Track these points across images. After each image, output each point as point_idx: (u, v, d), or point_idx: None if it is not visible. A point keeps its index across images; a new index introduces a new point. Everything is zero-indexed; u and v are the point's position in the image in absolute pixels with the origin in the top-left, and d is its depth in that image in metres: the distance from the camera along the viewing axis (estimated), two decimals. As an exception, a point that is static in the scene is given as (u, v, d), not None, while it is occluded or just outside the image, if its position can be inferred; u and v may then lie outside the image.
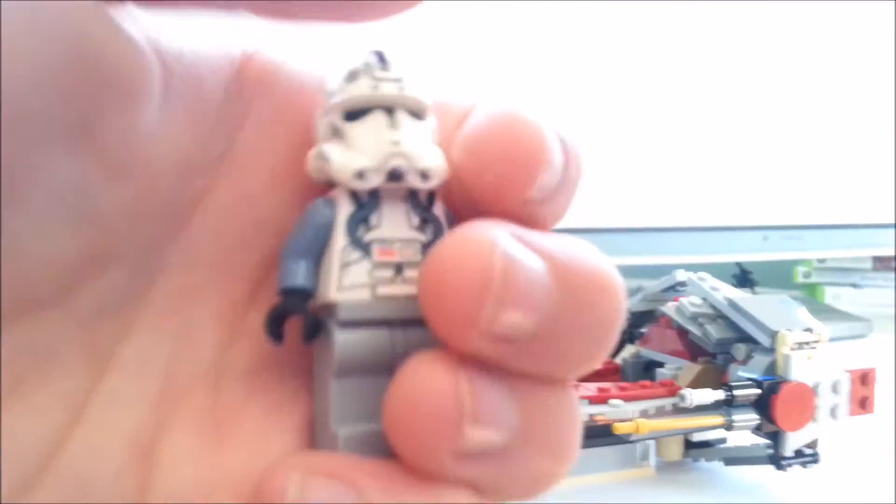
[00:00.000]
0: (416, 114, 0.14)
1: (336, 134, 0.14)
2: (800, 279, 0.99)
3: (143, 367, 0.14)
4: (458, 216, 0.14)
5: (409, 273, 0.14)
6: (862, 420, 0.40)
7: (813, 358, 0.38)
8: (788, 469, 0.38)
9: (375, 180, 0.13)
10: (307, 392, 0.14)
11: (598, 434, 0.36)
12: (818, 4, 0.77)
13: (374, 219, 0.14)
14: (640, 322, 0.47)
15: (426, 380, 0.12)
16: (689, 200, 0.73)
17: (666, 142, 0.74)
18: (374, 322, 0.14)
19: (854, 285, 0.96)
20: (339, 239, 0.14)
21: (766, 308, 0.40)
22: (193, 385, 0.14)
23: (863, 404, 0.40)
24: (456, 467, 0.12)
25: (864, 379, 0.39)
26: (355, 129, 0.14)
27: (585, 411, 0.35)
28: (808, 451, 0.39)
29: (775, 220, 0.76)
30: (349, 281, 0.13)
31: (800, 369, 0.37)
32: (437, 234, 0.14)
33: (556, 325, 0.12)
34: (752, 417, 0.37)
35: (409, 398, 0.12)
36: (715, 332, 0.41)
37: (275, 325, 0.14)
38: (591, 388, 0.37)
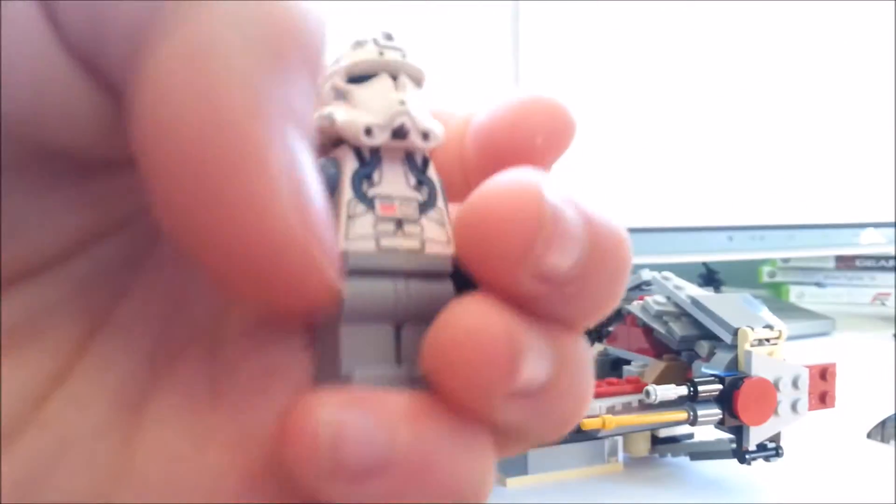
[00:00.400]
0: (417, 82, 0.15)
1: (340, 97, 0.14)
2: (765, 278, 1.00)
3: (136, 325, 0.14)
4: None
5: (409, 228, 0.14)
6: (825, 415, 0.41)
7: (774, 354, 0.39)
8: (752, 463, 0.39)
9: (381, 137, 0.14)
10: (306, 352, 0.14)
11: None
12: (793, 6, 0.78)
13: (375, 176, 0.14)
14: (607, 321, 0.48)
15: (479, 320, 0.12)
16: (655, 202, 0.74)
17: (632, 144, 0.75)
18: (379, 272, 0.14)
19: (818, 284, 0.98)
20: (346, 192, 0.14)
21: (727, 306, 0.41)
22: (188, 343, 0.14)
23: (823, 399, 0.40)
24: (504, 407, 0.13)
25: (823, 374, 0.40)
26: (361, 91, 0.14)
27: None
28: (771, 444, 0.39)
29: (740, 220, 0.77)
30: (355, 232, 0.14)
31: (761, 365, 0.38)
32: (432, 195, 0.15)
33: (585, 271, 0.13)
34: (716, 412, 0.38)
35: (461, 337, 0.12)
36: (679, 329, 0.42)
37: None
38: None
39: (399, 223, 0.14)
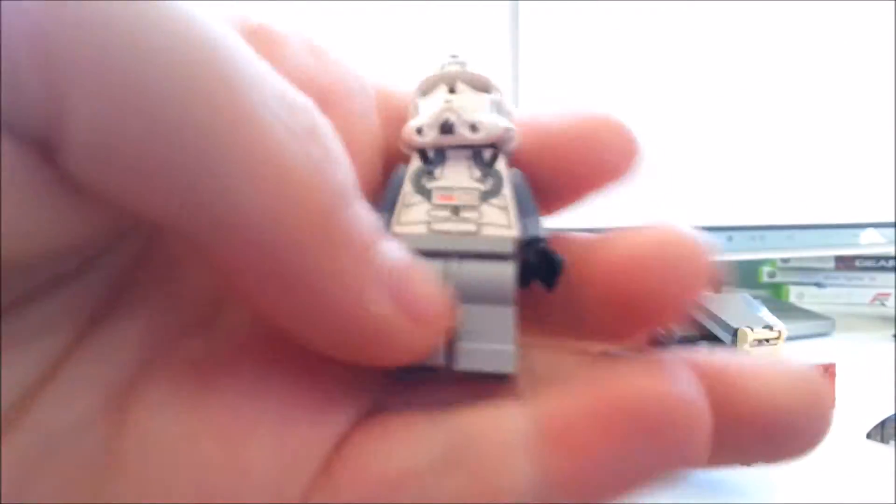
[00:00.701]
0: (476, 87, 0.16)
1: (412, 113, 0.16)
2: (765, 279, 1.00)
3: (126, 320, 0.14)
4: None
5: (466, 214, 0.15)
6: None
7: (773, 354, 0.39)
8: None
9: (431, 134, 0.16)
10: (305, 349, 0.14)
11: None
12: (793, 6, 0.78)
13: (438, 172, 0.16)
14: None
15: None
16: (654, 202, 0.74)
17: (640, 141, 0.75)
18: (430, 253, 0.15)
19: (817, 284, 0.98)
20: (405, 186, 0.16)
21: (727, 306, 0.41)
22: (180, 337, 0.14)
23: (822, 399, 0.40)
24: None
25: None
26: (424, 102, 0.16)
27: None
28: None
29: (740, 220, 0.77)
30: (407, 218, 0.15)
31: (761, 366, 0.38)
32: (497, 185, 0.16)
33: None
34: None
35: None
36: (678, 330, 0.42)
37: None
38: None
39: (456, 210, 0.15)
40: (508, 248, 0.15)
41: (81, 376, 0.13)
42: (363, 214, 0.13)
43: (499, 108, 0.16)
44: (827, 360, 0.41)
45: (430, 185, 0.16)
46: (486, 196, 0.15)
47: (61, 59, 0.10)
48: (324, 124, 0.13)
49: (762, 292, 0.99)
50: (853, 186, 0.82)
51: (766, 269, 1.00)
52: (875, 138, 0.82)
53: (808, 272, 0.99)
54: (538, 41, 0.72)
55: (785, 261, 0.99)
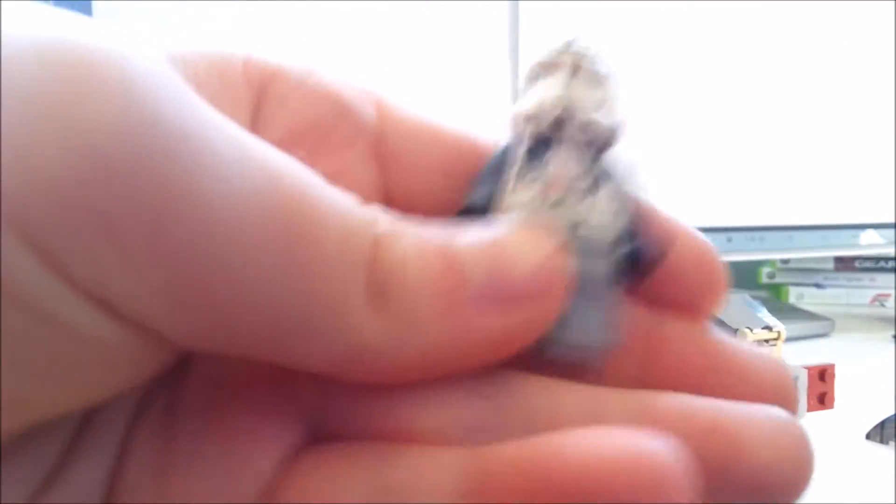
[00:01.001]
0: (599, 76, 0.16)
1: (525, 90, 0.16)
2: (764, 279, 1.00)
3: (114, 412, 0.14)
4: None
5: (569, 205, 0.15)
6: (824, 416, 0.41)
7: (773, 355, 0.39)
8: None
9: (542, 125, 0.15)
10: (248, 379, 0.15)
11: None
12: (794, 6, 0.78)
13: (545, 159, 0.15)
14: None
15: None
16: (654, 202, 0.74)
17: (639, 141, 0.75)
18: None
19: (817, 285, 0.98)
20: (509, 170, 0.15)
21: (727, 307, 0.41)
22: (150, 405, 0.14)
23: (822, 400, 0.41)
24: None
25: (822, 375, 0.40)
26: (539, 83, 0.16)
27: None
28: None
29: (739, 221, 0.77)
30: (514, 201, 0.15)
31: (760, 366, 0.38)
32: (603, 178, 0.15)
33: None
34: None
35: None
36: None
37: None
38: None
39: (559, 201, 0.15)
40: (606, 245, 0.15)
41: (83, 468, 0.14)
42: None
43: (615, 100, 0.16)
44: (827, 361, 0.41)
45: (534, 172, 0.15)
46: (591, 188, 0.15)
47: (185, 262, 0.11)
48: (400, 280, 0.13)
49: (762, 293, 0.99)
50: (853, 187, 0.82)
51: (765, 269, 1.00)
52: (875, 139, 0.82)
53: (808, 273, 0.99)
54: (538, 41, 0.72)
55: (784, 261, 0.99)
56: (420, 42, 0.71)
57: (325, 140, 0.15)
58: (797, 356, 0.42)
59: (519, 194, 0.15)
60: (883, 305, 0.96)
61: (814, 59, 0.79)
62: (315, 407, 0.14)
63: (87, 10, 0.67)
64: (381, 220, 0.13)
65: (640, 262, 0.15)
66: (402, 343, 0.13)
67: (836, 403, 0.41)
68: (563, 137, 0.15)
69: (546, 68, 0.16)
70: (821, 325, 0.81)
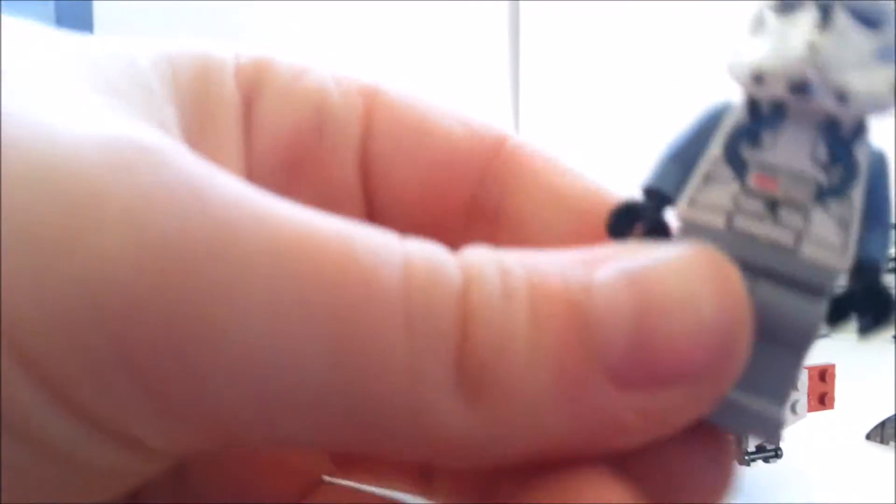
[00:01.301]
0: (869, 20, 0.11)
1: (756, 26, 0.11)
2: (765, 280, 1.00)
3: None
4: None
5: (787, 215, 0.11)
6: (824, 416, 0.41)
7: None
8: (751, 464, 0.39)
9: (775, 88, 0.11)
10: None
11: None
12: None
13: (767, 137, 0.11)
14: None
15: None
16: None
17: (633, 144, 0.75)
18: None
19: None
20: (715, 148, 0.11)
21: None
22: None
23: (822, 400, 0.41)
24: None
25: (822, 375, 0.40)
26: (778, 23, 0.11)
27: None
28: (770, 446, 0.39)
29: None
30: (705, 199, 0.11)
31: (760, 366, 0.38)
32: (846, 181, 0.11)
33: None
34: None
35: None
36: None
37: (618, 221, 0.12)
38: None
39: (774, 205, 0.11)
40: (829, 281, 0.11)
41: None
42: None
43: (887, 53, 0.11)
44: (826, 362, 0.41)
45: (749, 154, 0.11)
46: (824, 194, 0.11)
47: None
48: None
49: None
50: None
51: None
52: (874, 140, 0.81)
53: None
54: (538, 41, 0.72)
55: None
56: (420, 42, 0.71)
57: (311, 145, 0.15)
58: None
59: (715, 190, 0.11)
60: (883, 305, 0.96)
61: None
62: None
63: (88, 11, 0.67)
64: (466, 268, 0.10)
65: (865, 306, 0.11)
66: (506, 435, 0.10)
67: (836, 404, 0.41)
68: (802, 109, 0.11)
69: (784, 6, 0.11)
70: (821, 325, 0.81)
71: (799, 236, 0.11)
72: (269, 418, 0.10)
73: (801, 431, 0.41)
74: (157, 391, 0.09)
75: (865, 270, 0.11)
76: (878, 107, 0.11)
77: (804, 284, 0.11)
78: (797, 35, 0.10)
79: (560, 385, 0.10)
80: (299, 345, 0.09)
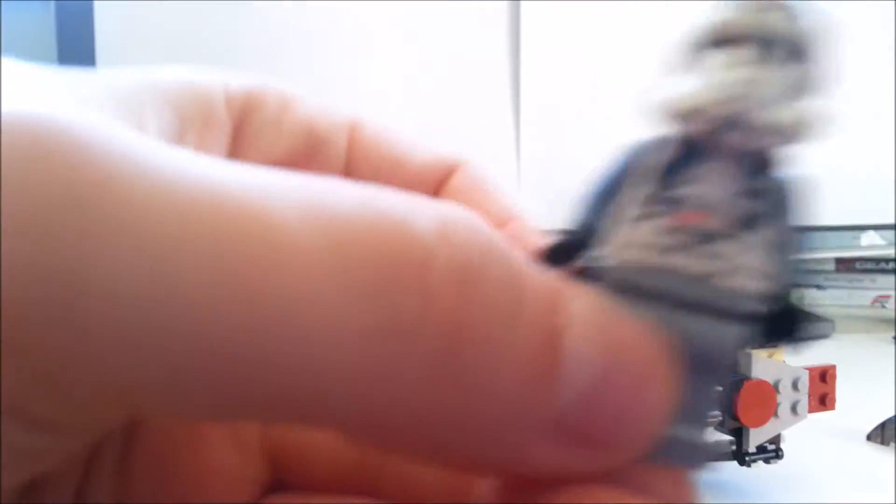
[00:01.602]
0: (799, 54, 0.11)
1: (688, 62, 0.11)
2: (765, 281, 1.00)
3: None
4: None
5: (716, 247, 0.11)
6: (825, 417, 0.41)
7: (774, 356, 0.39)
8: (752, 465, 0.39)
9: (703, 123, 0.11)
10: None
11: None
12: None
13: (696, 171, 0.11)
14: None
15: None
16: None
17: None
18: (646, 294, 0.11)
19: (818, 287, 0.98)
20: (644, 186, 0.11)
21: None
22: None
23: (823, 401, 0.40)
24: None
25: (823, 376, 0.40)
26: (711, 58, 0.11)
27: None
28: (771, 447, 0.39)
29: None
30: (629, 238, 0.11)
31: (761, 367, 0.38)
32: (769, 209, 0.11)
33: None
34: (715, 414, 0.38)
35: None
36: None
37: (549, 260, 0.11)
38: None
39: (705, 238, 0.11)
40: (753, 306, 0.11)
41: None
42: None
43: (810, 85, 0.11)
44: (827, 362, 0.41)
45: (677, 191, 0.11)
46: (746, 224, 0.11)
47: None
48: None
49: (762, 294, 0.98)
50: (853, 189, 0.82)
51: (766, 270, 1.00)
52: (875, 140, 0.82)
53: (808, 275, 0.99)
54: (538, 41, 0.72)
55: (785, 263, 0.99)
56: (420, 42, 0.71)
57: (301, 169, 0.15)
58: (797, 357, 0.42)
59: (640, 228, 0.11)
60: (884, 307, 0.96)
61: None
62: (276, 454, 0.14)
63: (88, 11, 0.67)
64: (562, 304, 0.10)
65: (785, 327, 0.12)
66: (594, 462, 0.10)
67: (836, 405, 0.41)
68: (729, 143, 0.11)
69: (713, 41, 0.11)
70: (821, 326, 0.81)
71: (724, 266, 0.11)
72: (169, 390, 0.09)
73: (801, 432, 0.41)
74: (44, 366, 0.09)
75: (782, 293, 0.11)
76: (801, 137, 0.11)
77: (729, 312, 0.11)
78: (732, 70, 0.11)
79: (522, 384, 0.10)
80: (198, 308, 0.09)
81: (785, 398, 0.38)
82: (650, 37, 0.75)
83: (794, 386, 0.39)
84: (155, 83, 0.14)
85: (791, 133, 0.11)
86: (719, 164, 0.11)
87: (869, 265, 0.97)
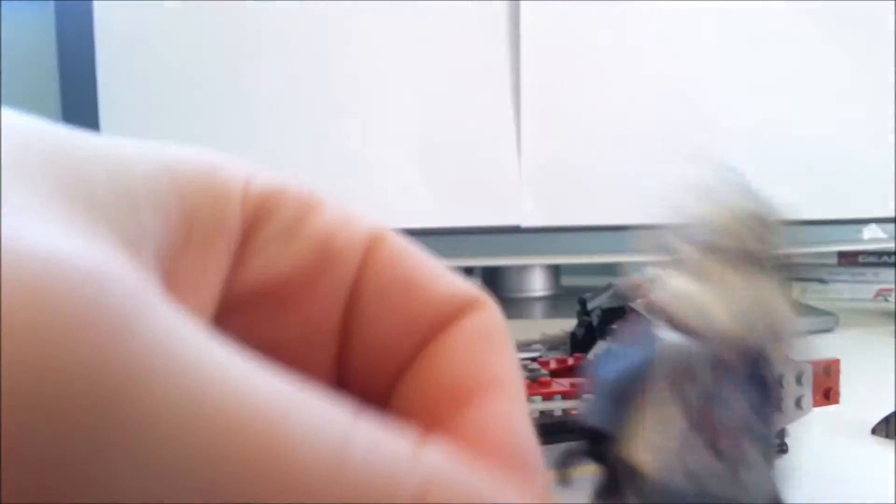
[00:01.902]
0: (784, 270, 0.11)
1: (693, 269, 0.11)
2: (767, 275, 1.00)
3: None
4: None
5: (744, 473, 0.11)
6: (828, 411, 0.41)
7: (777, 350, 0.39)
8: (756, 459, 0.39)
9: (745, 343, 0.10)
10: None
11: (574, 428, 0.36)
12: (793, 5, 0.78)
13: (717, 391, 0.11)
14: (610, 318, 0.48)
15: None
16: (656, 201, 0.74)
17: (634, 143, 0.75)
18: (674, 493, 0.11)
19: (820, 281, 0.98)
20: (677, 413, 0.11)
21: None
22: None
23: (827, 395, 0.40)
24: None
25: (827, 370, 0.40)
26: (730, 276, 0.11)
27: (560, 406, 0.36)
28: (776, 441, 0.39)
29: (742, 217, 0.77)
30: (656, 439, 0.11)
31: (765, 362, 0.38)
32: (778, 420, 0.11)
33: None
34: (720, 410, 0.38)
35: None
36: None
37: (565, 461, 0.12)
38: (565, 384, 0.38)
39: (738, 464, 0.11)
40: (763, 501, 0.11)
41: None
42: None
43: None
44: (830, 356, 0.41)
45: (706, 415, 0.11)
46: (762, 440, 0.11)
47: None
48: None
49: (765, 289, 0.98)
50: (855, 182, 0.82)
51: (768, 265, 1.00)
52: (877, 133, 0.81)
53: (811, 268, 0.98)
54: (538, 41, 0.72)
55: (787, 257, 0.98)
56: (420, 42, 0.71)
57: (304, 285, 0.15)
58: (801, 351, 0.42)
59: (658, 432, 0.11)
60: (886, 300, 0.96)
61: (814, 55, 0.79)
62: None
63: (88, 11, 0.67)
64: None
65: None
66: None
67: (840, 399, 0.41)
68: (750, 365, 0.10)
69: (724, 248, 0.10)
70: (825, 320, 0.81)
71: (737, 469, 0.11)
72: None
73: (805, 427, 0.41)
74: None
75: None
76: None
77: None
78: (756, 292, 0.10)
79: None
80: None
81: (789, 392, 0.38)
82: (650, 37, 0.75)
83: (798, 380, 0.39)
84: (174, 170, 0.13)
85: (785, 335, 0.10)
86: (733, 379, 0.11)
87: (871, 259, 0.97)
